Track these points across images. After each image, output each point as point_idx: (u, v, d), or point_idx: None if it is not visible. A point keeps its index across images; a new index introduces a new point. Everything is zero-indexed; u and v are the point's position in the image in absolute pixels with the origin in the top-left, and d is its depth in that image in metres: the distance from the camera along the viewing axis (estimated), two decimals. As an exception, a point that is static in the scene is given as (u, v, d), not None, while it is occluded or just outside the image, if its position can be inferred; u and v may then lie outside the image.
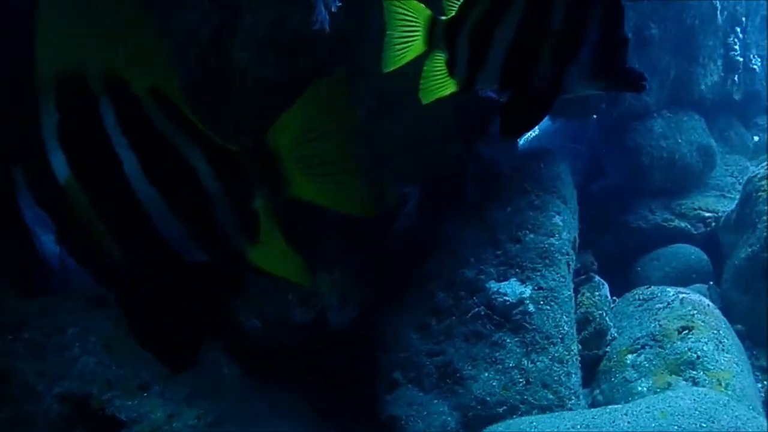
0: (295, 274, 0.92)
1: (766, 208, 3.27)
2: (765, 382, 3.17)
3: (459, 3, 1.08)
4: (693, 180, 3.99)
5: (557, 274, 2.83)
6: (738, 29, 4.32)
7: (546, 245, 2.91)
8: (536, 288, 2.79)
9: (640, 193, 3.91)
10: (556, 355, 2.65)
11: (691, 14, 3.70)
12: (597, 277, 3.18)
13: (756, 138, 5.24)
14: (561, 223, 3.01)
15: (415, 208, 3.37)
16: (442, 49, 1.14)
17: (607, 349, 3.03)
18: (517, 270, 2.89)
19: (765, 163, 3.48)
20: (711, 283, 3.61)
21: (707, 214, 3.83)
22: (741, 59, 4.29)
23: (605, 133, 4.00)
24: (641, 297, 3.23)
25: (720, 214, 3.81)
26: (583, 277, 3.20)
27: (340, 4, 1.67)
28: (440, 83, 1.14)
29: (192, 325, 0.81)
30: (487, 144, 3.13)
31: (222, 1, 1.71)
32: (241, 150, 0.84)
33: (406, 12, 1.13)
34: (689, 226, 3.80)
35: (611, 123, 3.92)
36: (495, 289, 2.80)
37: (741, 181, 4.24)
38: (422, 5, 1.14)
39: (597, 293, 3.09)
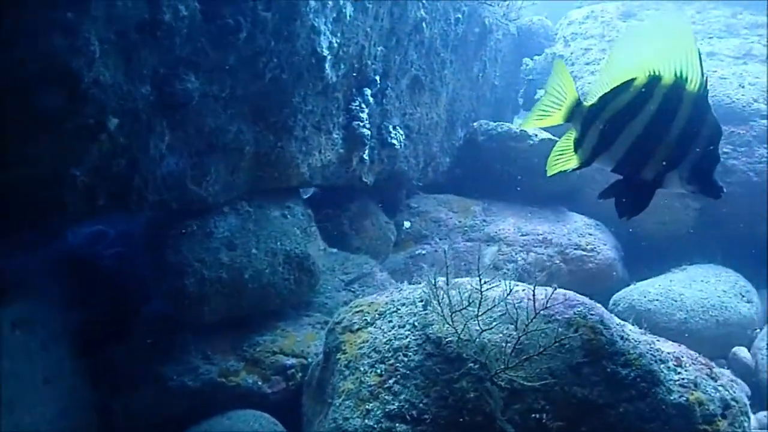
0: None
1: (342, 385, 2.05)
2: None
3: (599, 94, 1.58)
4: (282, 304, 2.73)
5: None
6: (368, 91, 3.20)
7: None
8: None
9: (195, 325, 2.55)
10: None
11: (273, 63, 2.40)
12: None
13: (407, 224, 4.25)
14: None
15: None
16: (575, 127, 1.63)
17: None
18: None
19: (354, 303, 2.30)
20: (278, 479, 2.34)
21: (291, 361, 2.57)
22: (368, 131, 3.16)
23: (149, 238, 2.58)
24: None
25: (310, 359, 2.59)
26: None
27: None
28: (567, 158, 1.65)
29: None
30: None
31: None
32: None
33: (561, 87, 1.63)
34: (261, 383, 2.50)
35: (157, 221, 2.53)
36: None
37: (358, 292, 3.13)
38: (574, 88, 1.65)
39: None
